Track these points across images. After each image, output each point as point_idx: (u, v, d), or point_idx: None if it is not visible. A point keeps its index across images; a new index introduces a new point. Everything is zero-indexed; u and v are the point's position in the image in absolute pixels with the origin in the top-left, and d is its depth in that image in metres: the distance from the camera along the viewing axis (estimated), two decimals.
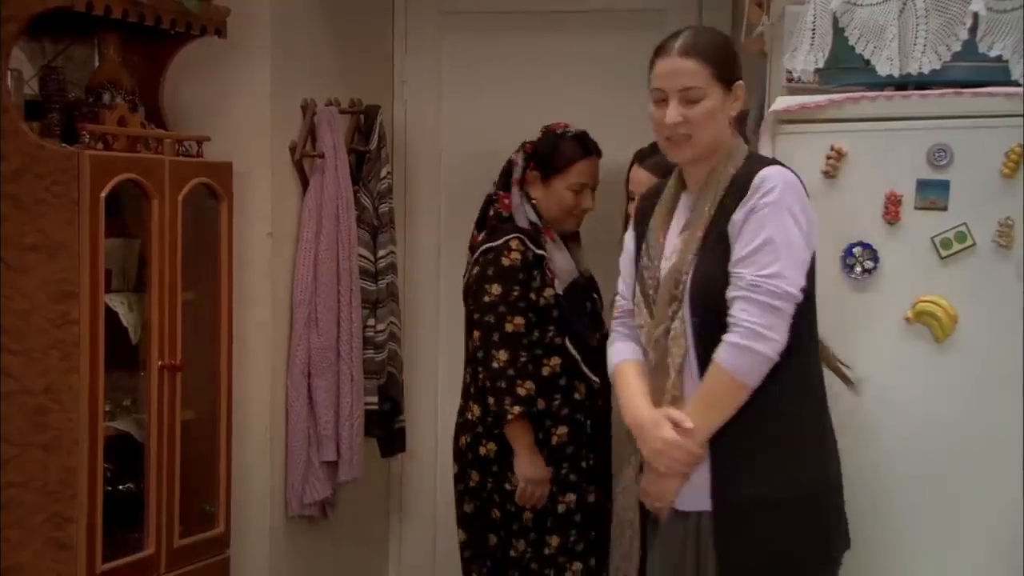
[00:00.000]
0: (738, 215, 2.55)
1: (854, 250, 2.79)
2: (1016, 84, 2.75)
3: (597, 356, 3.54)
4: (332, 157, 3.99)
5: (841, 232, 2.78)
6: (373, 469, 4.33)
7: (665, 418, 2.56)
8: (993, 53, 2.77)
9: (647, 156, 3.43)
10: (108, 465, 3.36)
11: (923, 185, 2.76)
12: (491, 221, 3.70)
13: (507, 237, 3.60)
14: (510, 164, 3.74)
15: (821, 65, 2.87)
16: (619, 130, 4.41)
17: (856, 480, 2.75)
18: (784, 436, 2.56)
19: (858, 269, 2.79)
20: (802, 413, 2.58)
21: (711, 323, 2.54)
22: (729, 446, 2.54)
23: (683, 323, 2.57)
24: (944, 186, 2.75)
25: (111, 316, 3.32)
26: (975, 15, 2.75)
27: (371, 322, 4.15)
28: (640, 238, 2.74)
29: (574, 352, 3.59)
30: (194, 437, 3.59)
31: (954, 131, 2.75)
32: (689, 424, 2.53)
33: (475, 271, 3.62)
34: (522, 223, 3.63)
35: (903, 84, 2.82)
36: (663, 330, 2.59)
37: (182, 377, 3.46)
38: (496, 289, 3.54)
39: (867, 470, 2.76)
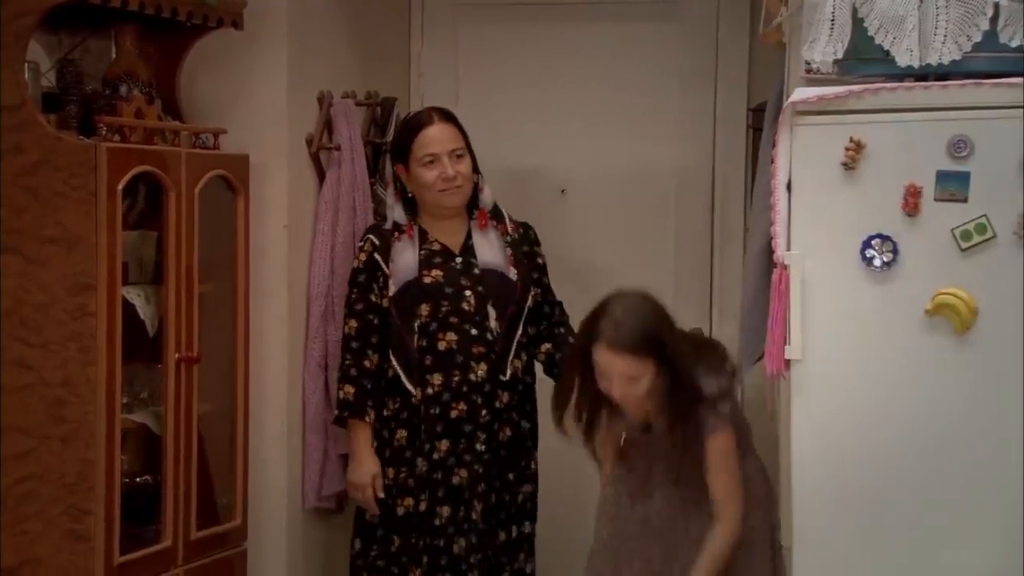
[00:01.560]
0: None
1: (873, 242, 2.77)
2: None
3: (436, 361, 3.54)
4: (348, 149, 3.99)
5: (860, 224, 2.77)
6: None
7: None
8: (1014, 43, 2.75)
9: (606, 333, 3.07)
10: (125, 457, 3.36)
11: (943, 177, 2.74)
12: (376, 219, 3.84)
13: (364, 238, 3.69)
14: None
15: (840, 56, 2.86)
16: (638, 120, 4.42)
17: (875, 472, 2.75)
18: None
19: (877, 261, 2.77)
20: None
21: None
22: None
23: None
24: (964, 178, 2.73)
25: (128, 308, 3.32)
26: (996, 5, 2.74)
27: None
28: None
29: (392, 359, 3.58)
30: (211, 430, 3.60)
31: (974, 122, 2.73)
32: None
33: None
34: (388, 224, 3.67)
35: (923, 75, 2.81)
36: None
37: (199, 370, 3.46)
38: (347, 290, 3.70)
39: (886, 462, 2.76)
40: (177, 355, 3.39)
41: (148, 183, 3.37)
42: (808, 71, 2.97)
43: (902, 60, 2.79)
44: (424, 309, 3.55)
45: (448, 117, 3.65)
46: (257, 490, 3.76)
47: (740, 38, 4.36)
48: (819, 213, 2.81)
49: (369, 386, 3.61)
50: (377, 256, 3.60)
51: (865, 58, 2.84)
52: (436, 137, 3.59)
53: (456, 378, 3.55)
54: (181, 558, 3.44)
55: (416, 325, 3.54)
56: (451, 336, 3.55)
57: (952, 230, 2.74)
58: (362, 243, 3.69)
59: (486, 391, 3.56)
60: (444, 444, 3.56)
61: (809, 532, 2.82)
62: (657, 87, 4.43)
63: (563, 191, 4.46)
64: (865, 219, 2.77)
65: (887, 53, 2.80)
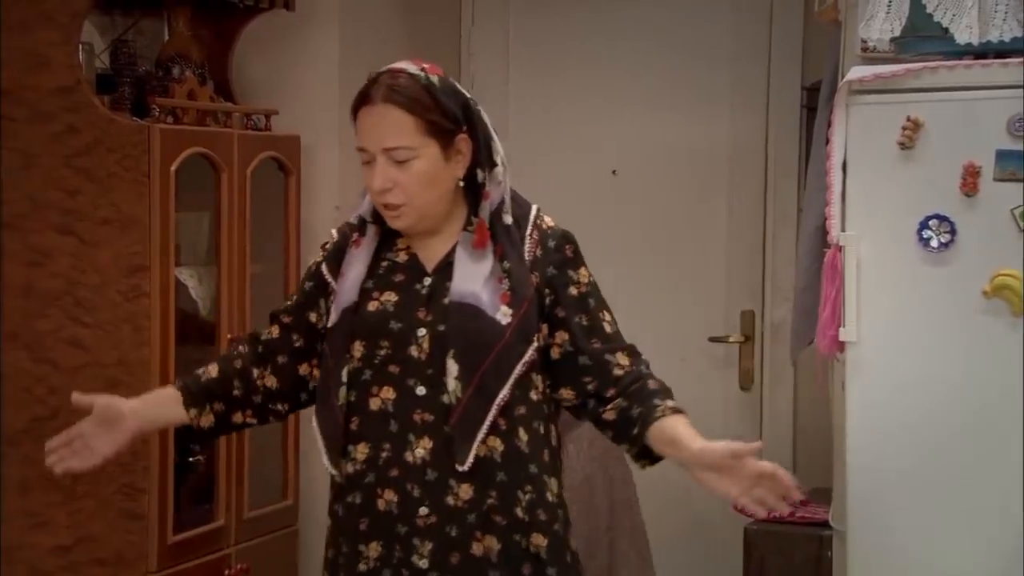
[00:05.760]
0: None
1: (930, 223, 2.73)
2: None
3: (364, 426, 2.34)
4: None
5: (917, 204, 2.74)
6: None
7: None
8: None
9: None
10: (179, 437, 3.38)
11: (1002, 156, 2.70)
12: None
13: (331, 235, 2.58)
14: None
15: (897, 34, 2.82)
16: (690, 100, 4.39)
17: (930, 455, 2.72)
18: None
19: (934, 242, 2.73)
20: None
21: None
22: None
23: None
24: None
25: (181, 289, 3.34)
26: None
27: None
28: None
29: (314, 422, 2.41)
30: None
31: None
32: None
33: None
34: (354, 218, 2.51)
35: (982, 52, 2.76)
36: None
37: None
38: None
39: (942, 444, 2.73)
40: (229, 336, 3.41)
41: (201, 164, 3.38)
42: (864, 49, 2.93)
43: (961, 37, 2.75)
44: (357, 349, 2.37)
45: (395, 97, 2.40)
46: (308, 471, 3.78)
47: (794, 16, 4.31)
48: (875, 193, 2.78)
49: (238, 392, 2.52)
50: (325, 268, 2.47)
51: (923, 35, 2.80)
52: (367, 127, 2.40)
53: (385, 454, 2.34)
54: (234, 537, 3.46)
55: (346, 371, 2.37)
56: (387, 392, 2.35)
57: (1011, 210, 2.70)
58: (325, 241, 2.56)
59: (427, 480, 2.32)
60: (374, 548, 2.34)
61: (864, 515, 2.80)
62: (709, 67, 4.39)
63: (614, 172, 4.43)
64: (922, 199, 2.74)
65: (946, 30, 2.76)
